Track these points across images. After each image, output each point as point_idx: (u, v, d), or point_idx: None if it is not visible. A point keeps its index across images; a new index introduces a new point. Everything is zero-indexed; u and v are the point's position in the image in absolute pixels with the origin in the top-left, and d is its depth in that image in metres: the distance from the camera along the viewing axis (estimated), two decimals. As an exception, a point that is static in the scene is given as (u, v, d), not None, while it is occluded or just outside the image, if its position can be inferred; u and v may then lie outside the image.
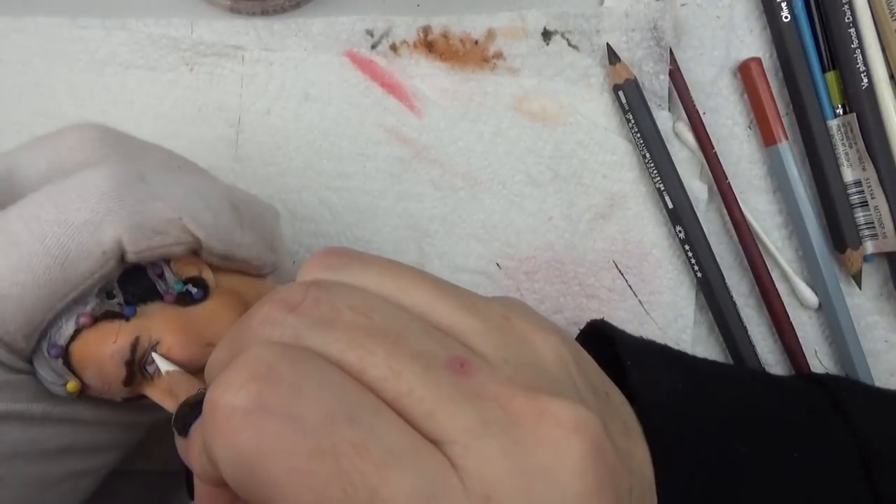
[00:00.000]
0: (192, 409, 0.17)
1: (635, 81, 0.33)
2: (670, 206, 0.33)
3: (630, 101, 0.33)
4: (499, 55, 0.35)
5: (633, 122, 0.33)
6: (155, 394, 0.23)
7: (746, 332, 0.33)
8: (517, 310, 0.18)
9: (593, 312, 0.34)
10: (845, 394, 0.26)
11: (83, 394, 0.23)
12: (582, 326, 0.27)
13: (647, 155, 0.33)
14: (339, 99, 0.34)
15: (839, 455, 0.23)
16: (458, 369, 0.15)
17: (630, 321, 0.34)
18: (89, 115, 0.34)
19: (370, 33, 0.34)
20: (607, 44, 0.34)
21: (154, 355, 0.22)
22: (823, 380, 0.28)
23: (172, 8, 0.34)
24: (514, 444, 0.14)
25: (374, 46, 0.34)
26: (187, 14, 0.34)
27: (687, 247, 0.33)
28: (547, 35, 0.34)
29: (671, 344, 0.34)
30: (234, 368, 0.14)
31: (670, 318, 0.34)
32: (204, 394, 0.16)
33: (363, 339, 0.15)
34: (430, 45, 0.35)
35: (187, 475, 0.20)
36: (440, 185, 0.34)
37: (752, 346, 0.33)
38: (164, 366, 0.22)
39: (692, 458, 0.20)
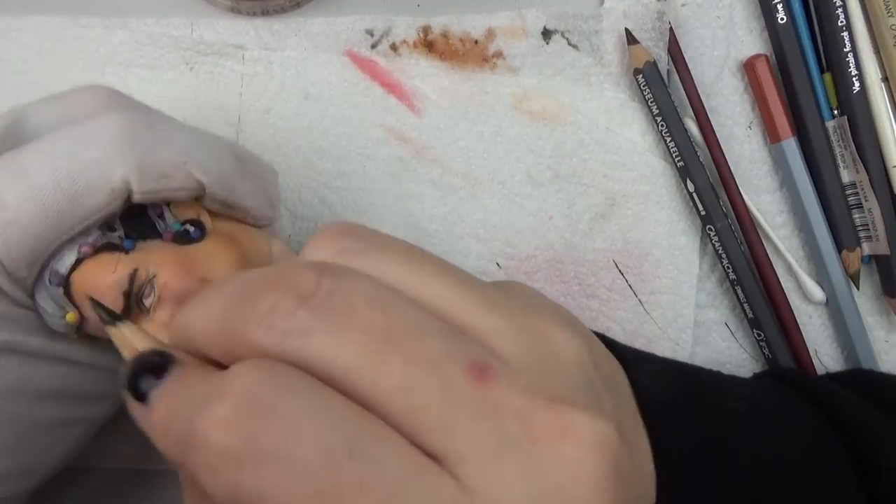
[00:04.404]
0: (149, 371, 0.16)
1: (654, 63, 0.33)
2: (691, 189, 0.33)
3: (650, 83, 0.33)
4: (499, 54, 0.35)
5: (654, 104, 0.33)
6: (151, 328, 0.23)
7: (776, 324, 0.33)
8: (536, 303, 0.17)
9: (593, 312, 0.34)
10: (815, 387, 0.26)
11: (81, 329, 0.24)
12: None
13: (670, 136, 0.33)
14: (339, 98, 0.34)
15: (823, 443, 0.24)
16: (479, 376, 0.14)
17: (630, 321, 0.34)
18: (89, 114, 0.34)
19: (370, 33, 0.34)
20: (626, 28, 0.34)
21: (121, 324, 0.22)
22: (788, 375, 0.28)
23: (173, 7, 0.34)
24: (531, 466, 0.14)
25: (374, 46, 0.34)
26: (188, 13, 0.34)
27: (709, 226, 0.33)
28: (547, 34, 0.35)
29: (671, 343, 0.34)
30: (222, 399, 0.13)
31: (670, 317, 0.34)
32: (162, 355, 0.16)
33: (380, 344, 0.14)
34: (429, 44, 0.35)
35: None
36: (440, 184, 0.34)
37: (783, 339, 0.33)
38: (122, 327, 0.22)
39: (691, 448, 0.20)
